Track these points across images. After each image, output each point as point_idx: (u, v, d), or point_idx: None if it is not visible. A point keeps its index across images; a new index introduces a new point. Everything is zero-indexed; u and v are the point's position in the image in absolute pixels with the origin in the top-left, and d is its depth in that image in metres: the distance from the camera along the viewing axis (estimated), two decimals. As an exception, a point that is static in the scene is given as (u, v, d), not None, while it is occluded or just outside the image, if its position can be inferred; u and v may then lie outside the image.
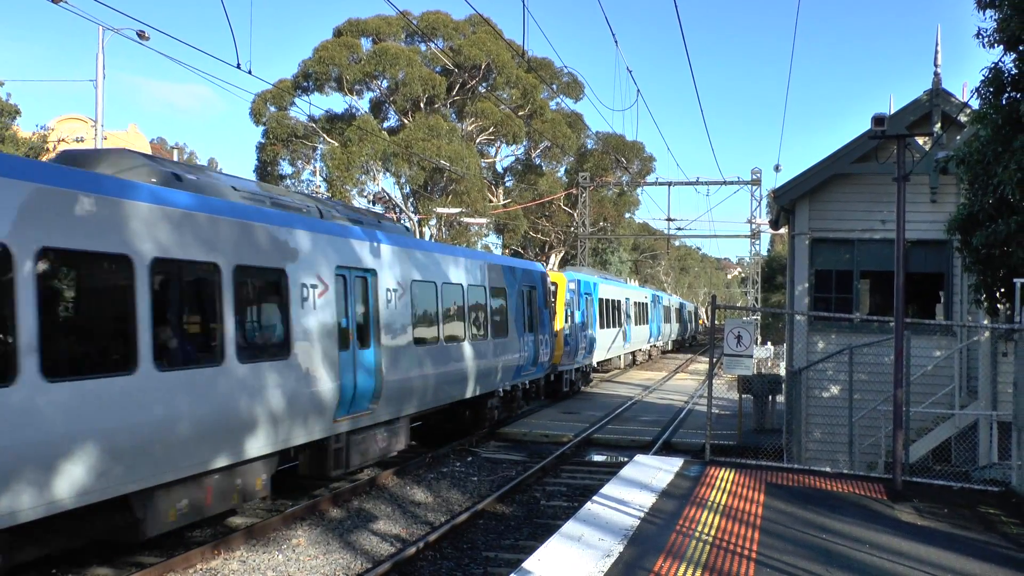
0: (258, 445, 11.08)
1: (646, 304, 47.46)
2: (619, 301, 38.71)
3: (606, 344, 35.72)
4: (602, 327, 34.52)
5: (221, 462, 10.45)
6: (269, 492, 11.88)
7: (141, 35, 24.52)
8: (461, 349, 17.79)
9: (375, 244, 14.58)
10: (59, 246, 8.28)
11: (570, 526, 9.02)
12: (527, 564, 7.71)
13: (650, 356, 50.34)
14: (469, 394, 18.38)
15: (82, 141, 36.33)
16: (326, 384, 12.52)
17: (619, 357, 40.63)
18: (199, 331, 10.48)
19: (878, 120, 11.14)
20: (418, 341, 15.78)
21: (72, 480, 8.30)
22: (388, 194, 52.15)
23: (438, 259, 17.33)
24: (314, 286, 12.43)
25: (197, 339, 10.38)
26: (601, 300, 34.51)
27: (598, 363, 35.52)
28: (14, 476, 7.73)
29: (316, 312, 12.41)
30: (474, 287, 18.87)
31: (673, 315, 63.00)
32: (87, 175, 8.99)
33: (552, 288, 26.36)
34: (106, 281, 9.19)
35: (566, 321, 28.00)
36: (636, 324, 43.38)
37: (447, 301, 17.42)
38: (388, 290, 14.79)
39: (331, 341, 12.75)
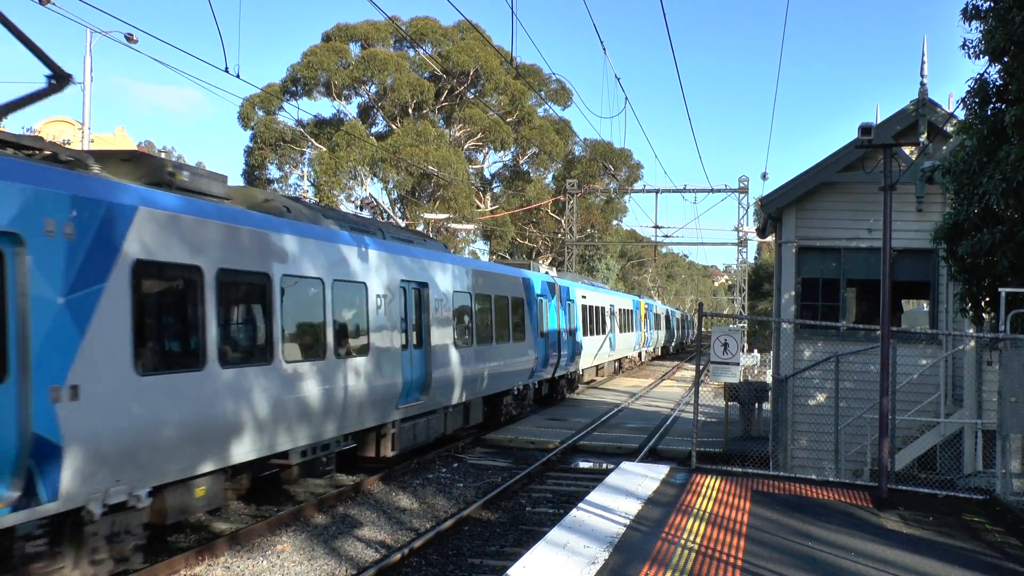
0: None
1: (667, 315, 68.26)
2: (659, 314, 59.40)
3: (652, 340, 55.87)
4: (653, 329, 55.88)
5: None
6: None
7: (129, 38, 24.44)
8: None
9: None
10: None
11: (555, 533, 8.98)
12: (512, 571, 7.68)
13: (654, 355, 64.76)
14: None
15: (69, 143, 36.13)
16: None
17: (655, 348, 60.02)
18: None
19: (865, 129, 11.18)
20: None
21: None
22: (375, 199, 52.09)
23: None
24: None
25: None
26: (654, 314, 55.87)
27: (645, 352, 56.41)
28: None
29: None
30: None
31: (673, 323, 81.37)
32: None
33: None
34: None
35: (642, 325, 49.38)
36: (664, 329, 64.33)
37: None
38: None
39: None
